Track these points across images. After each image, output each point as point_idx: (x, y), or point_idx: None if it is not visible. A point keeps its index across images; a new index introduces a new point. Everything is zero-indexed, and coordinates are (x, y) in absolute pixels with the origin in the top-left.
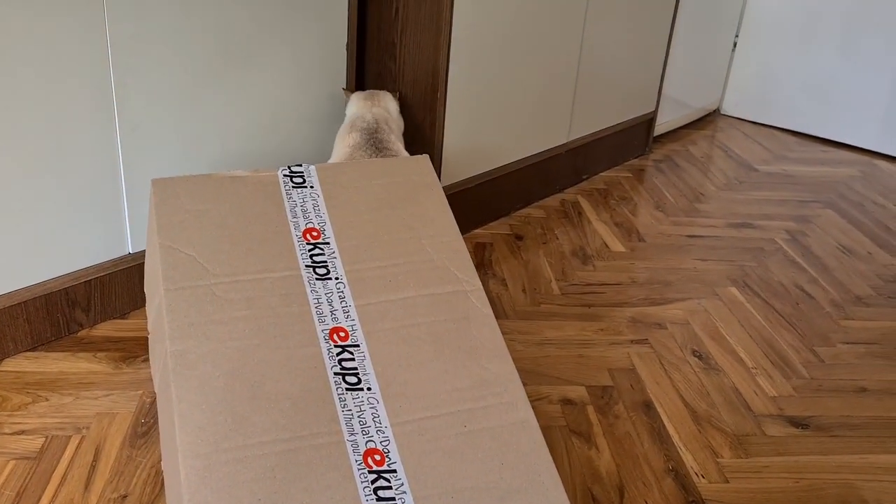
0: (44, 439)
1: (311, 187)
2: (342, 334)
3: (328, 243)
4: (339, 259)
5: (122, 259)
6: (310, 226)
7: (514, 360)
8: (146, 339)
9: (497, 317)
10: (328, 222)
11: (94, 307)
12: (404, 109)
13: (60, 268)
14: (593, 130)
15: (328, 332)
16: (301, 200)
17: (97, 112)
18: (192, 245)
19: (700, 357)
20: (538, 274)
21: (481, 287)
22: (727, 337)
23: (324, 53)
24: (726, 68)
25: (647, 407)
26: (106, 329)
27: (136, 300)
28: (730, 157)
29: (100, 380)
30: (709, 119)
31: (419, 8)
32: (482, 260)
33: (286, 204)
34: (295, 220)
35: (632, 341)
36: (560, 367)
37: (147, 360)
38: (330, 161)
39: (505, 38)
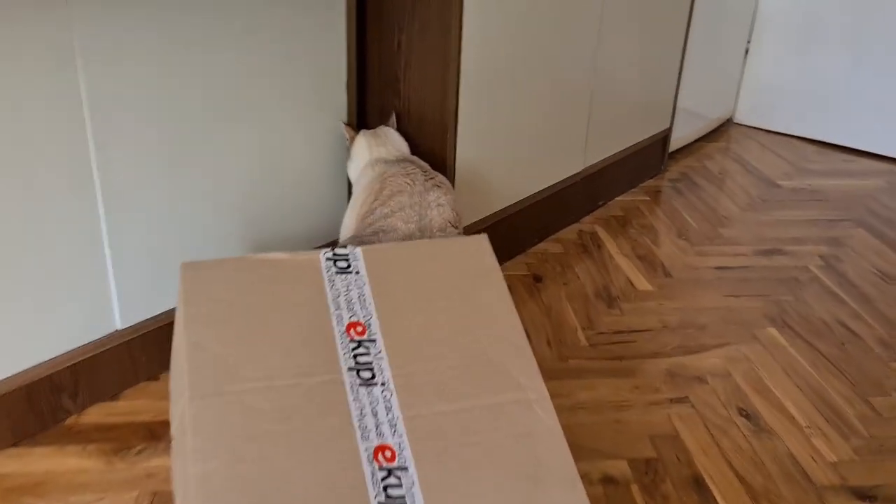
0: None
1: (357, 273)
2: (388, 454)
3: (374, 341)
4: (387, 360)
5: (110, 337)
6: (354, 319)
7: None
8: (139, 424)
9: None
10: (375, 316)
11: (82, 391)
12: (412, 148)
13: (43, 353)
14: (609, 154)
15: (372, 450)
16: (345, 289)
17: (74, 178)
18: (222, 342)
19: (748, 416)
20: (562, 322)
21: (547, 395)
22: (773, 389)
23: (322, 93)
24: (739, 75)
25: (697, 483)
26: (96, 414)
27: (126, 379)
28: (749, 171)
29: (91, 480)
30: (722, 129)
31: (423, 40)
32: None
33: (328, 293)
34: (338, 311)
35: (671, 400)
36: (597, 437)
37: (142, 451)
38: (347, 216)
39: (517, 68)
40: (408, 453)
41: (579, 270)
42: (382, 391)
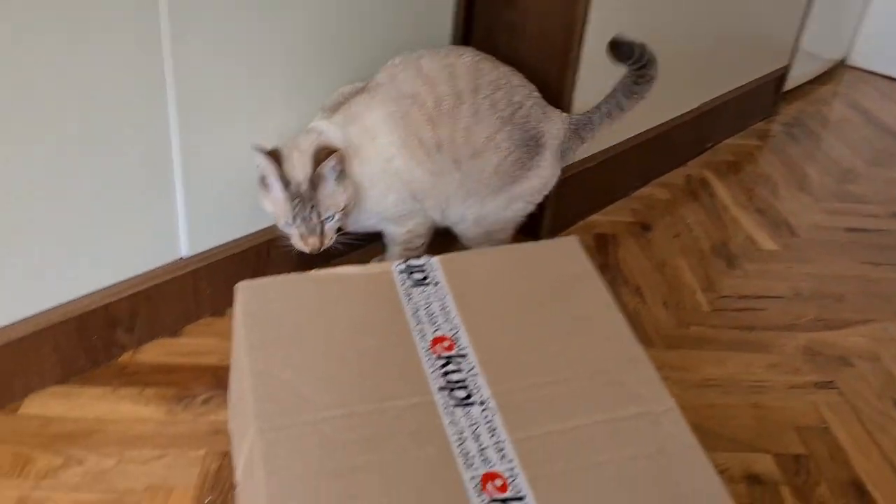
0: None
1: (436, 284)
2: (499, 482)
3: (465, 356)
4: (482, 377)
5: (173, 265)
6: (439, 334)
7: None
8: (204, 368)
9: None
10: (462, 328)
11: (140, 325)
12: (526, 69)
13: (99, 280)
14: (722, 92)
15: (479, 480)
16: (425, 302)
17: (143, 72)
18: (291, 367)
19: None
20: (678, 281)
21: (676, 407)
22: None
23: (424, 3)
24: (861, 12)
25: (859, 490)
26: (154, 352)
27: (189, 314)
28: (871, 122)
29: (149, 431)
30: (834, 71)
31: None
32: (607, 259)
33: (406, 307)
34: (419, 326)
35: (815, 384)
36: (734, 424)
37: (208, 401)
38: None
39: None
40: (521, 481)
41: (692, 222)
42: (483, 411)
